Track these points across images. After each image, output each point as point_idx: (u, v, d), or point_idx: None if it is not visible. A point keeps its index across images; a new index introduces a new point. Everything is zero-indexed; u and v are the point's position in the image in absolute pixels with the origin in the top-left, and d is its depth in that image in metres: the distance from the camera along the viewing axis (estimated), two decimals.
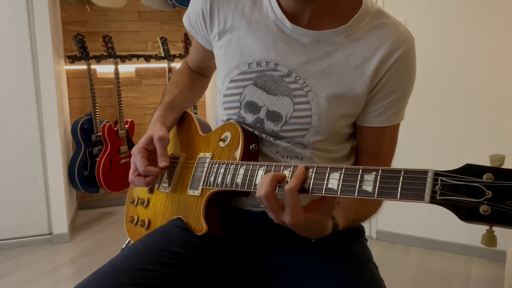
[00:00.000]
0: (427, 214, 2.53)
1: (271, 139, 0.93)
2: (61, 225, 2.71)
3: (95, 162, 3.01)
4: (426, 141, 2.51)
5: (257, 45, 0.92)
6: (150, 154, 0.96)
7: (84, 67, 2.97)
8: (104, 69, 3.19)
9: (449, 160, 2.38)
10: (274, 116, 0.92)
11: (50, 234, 2.71)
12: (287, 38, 0.90)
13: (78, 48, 2.94)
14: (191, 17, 1.02)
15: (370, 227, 2.75)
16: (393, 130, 0.95)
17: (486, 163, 0.57)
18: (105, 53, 3.04)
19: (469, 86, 2.38)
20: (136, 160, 0.94)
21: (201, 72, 1.19)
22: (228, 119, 0.98)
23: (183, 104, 1.10)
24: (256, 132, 0.95)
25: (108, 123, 3.04)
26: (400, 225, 2.64)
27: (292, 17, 0.89)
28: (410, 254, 2.55)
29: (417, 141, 2.49)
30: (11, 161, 2.58)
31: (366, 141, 0.96)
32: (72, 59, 2.96)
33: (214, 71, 1.20)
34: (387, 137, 0.96)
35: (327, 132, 0.91)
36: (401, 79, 0.90)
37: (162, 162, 0.94)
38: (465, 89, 2.40)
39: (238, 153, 0.90)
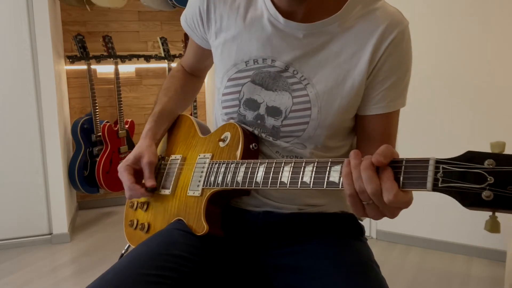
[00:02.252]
0: (427, 214, 2.53)
1: (271, 138, 0.94)
2: (61, 225, 2.71)
3: (95, 162, 3.01)
4: (426, 137, 2.52)
5: (253, 43, 0.93)
6: (137, 171, 1.01)
7: (84, 67, 2.97)
8: (104, 69, 3.20)
9: (451, 153, 2.39)
10: (274, 111, 0.92)
11: (50, 234, 2.71)
12: (282, 34, 0.91)
13: (78, 48, 2.95)
14: (188, 17, 1.03)
15: (370, 227, 2.74)
16: (396, 116, 0.95)
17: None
18: (105, 53, 3.05)
19: (470, 83, 2.39)
20: (123, 177, 0.99)
21: (196, 74, 1.20)
22: (229, 118, 0.98)
23: (174, 111, 1.12)
24: (256, 132, 0.95)
25: (108, 123, 3.04)
26: (400, 225, 2.64)
27: (286, 13, 0.90)
28: (410, 254, 2.54)
29: (417, 136, 2.49)
30: (11, 161, 2.58)
31: (374, 130, 0.95)
32: (72, 59, 2.97)
33: (208, 72, 1.22)
34: (393, 123, 0.95)
35: (328, 126, 0.91)
36: (396, 63, 0.89)
37: (149, 182, 0.99)
38: (466, 87, 2.40)
39: (238, 153, 0.90)
